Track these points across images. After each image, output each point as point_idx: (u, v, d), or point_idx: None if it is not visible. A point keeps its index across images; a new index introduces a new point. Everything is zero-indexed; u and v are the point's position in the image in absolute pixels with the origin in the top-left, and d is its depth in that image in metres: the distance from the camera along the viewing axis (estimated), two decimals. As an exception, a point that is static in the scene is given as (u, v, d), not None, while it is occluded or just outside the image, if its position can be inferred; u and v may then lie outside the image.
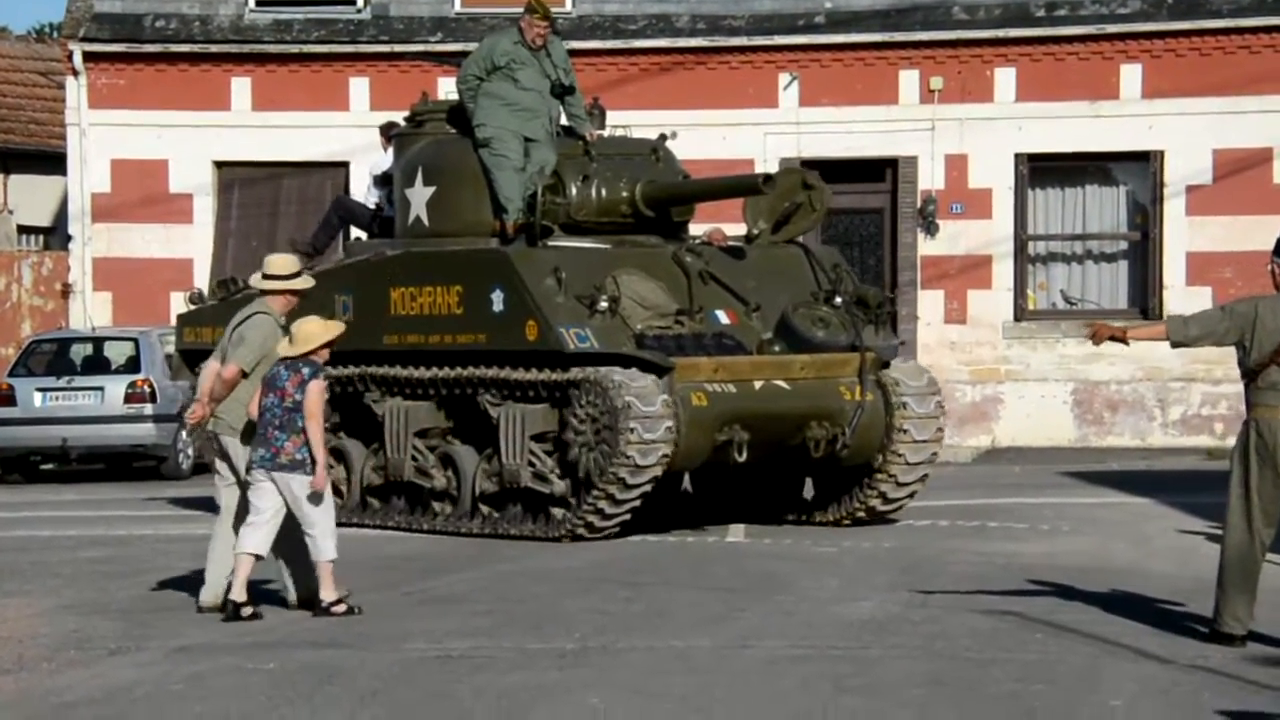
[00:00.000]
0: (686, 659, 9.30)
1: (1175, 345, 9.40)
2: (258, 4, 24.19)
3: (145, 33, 24.18)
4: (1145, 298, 23.33)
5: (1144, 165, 23.23)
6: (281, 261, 11.02)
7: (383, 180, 16.00)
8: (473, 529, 14.07)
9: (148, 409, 20.94)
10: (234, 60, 24.14)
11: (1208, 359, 21.93)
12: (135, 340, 21.58)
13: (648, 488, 13.33)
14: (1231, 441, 9.68)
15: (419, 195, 14.85)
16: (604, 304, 13.43)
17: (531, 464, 13.69)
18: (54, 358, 21.75)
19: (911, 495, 14.35)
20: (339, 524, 13.78)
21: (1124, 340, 9.53)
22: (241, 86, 24.22)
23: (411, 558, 13.21)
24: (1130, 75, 23.10)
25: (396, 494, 14.79)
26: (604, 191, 14.40)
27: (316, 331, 10.53)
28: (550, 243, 14.10)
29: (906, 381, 14.05)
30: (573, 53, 23.86)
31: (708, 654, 9.42)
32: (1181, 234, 23.13)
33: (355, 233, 16.81)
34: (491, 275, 13.79)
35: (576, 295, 13.47)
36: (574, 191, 14.37)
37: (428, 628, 10.19)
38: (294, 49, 24.06)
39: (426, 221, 14.78)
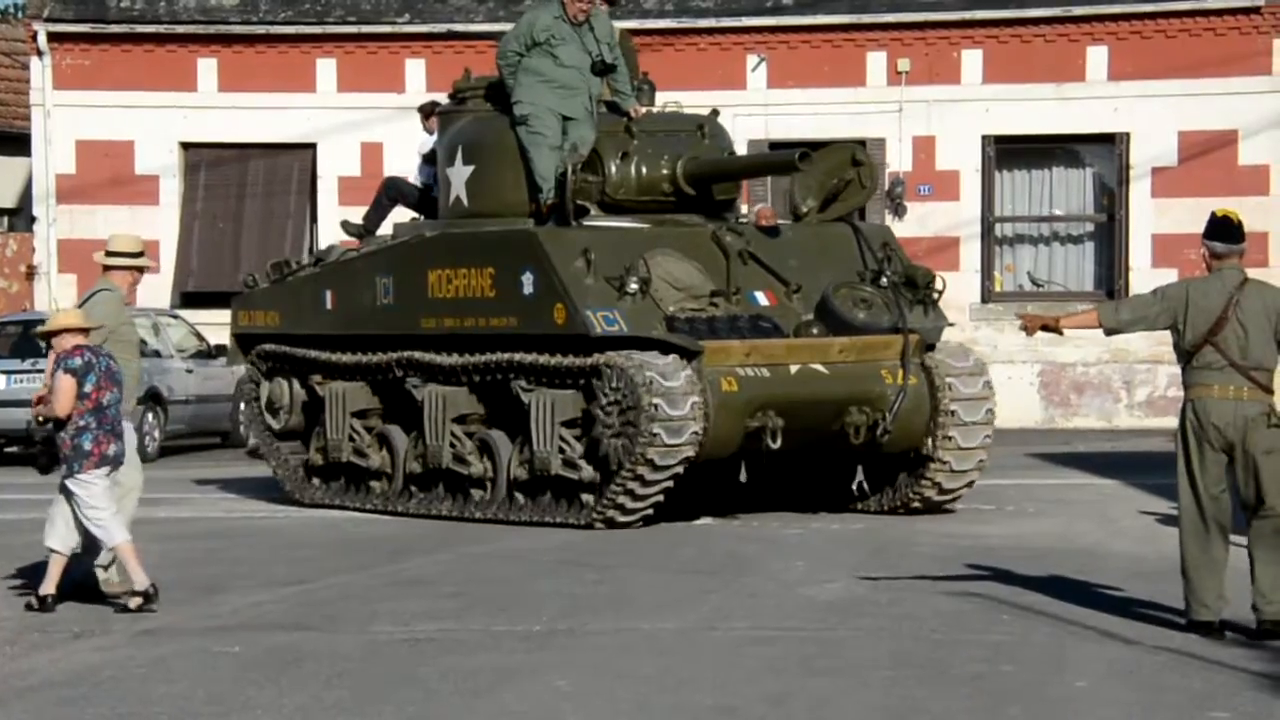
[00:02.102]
0: (653, 641, 9.30)
1: (1109, 332, 9.33)
2: (224, -16, 24.06)
3: (110, 13, 24.06)
4: (1111, 280, 23.39)
5: (1110, 147, 23.28)
6: (125, 239, 10.92)
7: (429, 159, 15.51)
8: (508, 515, 13.68)
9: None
10: (200, 41, 24.04)
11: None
12: (101, 322, 21.47)
13: (675, 473, 12.92)
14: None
15: (459, 174, 14.42)
16: (634, 285, 13.01)
17: (562, 450, 13.30)
18: (19, 340, 21.64)
19: (970, 484, 13.77)
20: (385, 510, 13.45)
21: (1058, 330, 9.47)
22: (208, 67, 24.12)
23: (380, 540, 13.18)
24: (1096, 57, 23.14)
25: (434, 481, 14.35)
26: (644, 169, 13.90)
27: (57, 319, 10.27)
28: (587, 223, 13.66)
29: (951, 363, 13.54)
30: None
31: (675, 636, 9.42)
32: (1147, 216, 23.19)
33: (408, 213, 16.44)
34: (521, 257, 13.41)
35: (606, 277, 13.05)
36: (613, 170, 13.87)
37: (395, 610, 10.17)
38: (260, 30, 23.96)
39: (466, 201, 14.36)
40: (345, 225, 15.86)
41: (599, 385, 12.97)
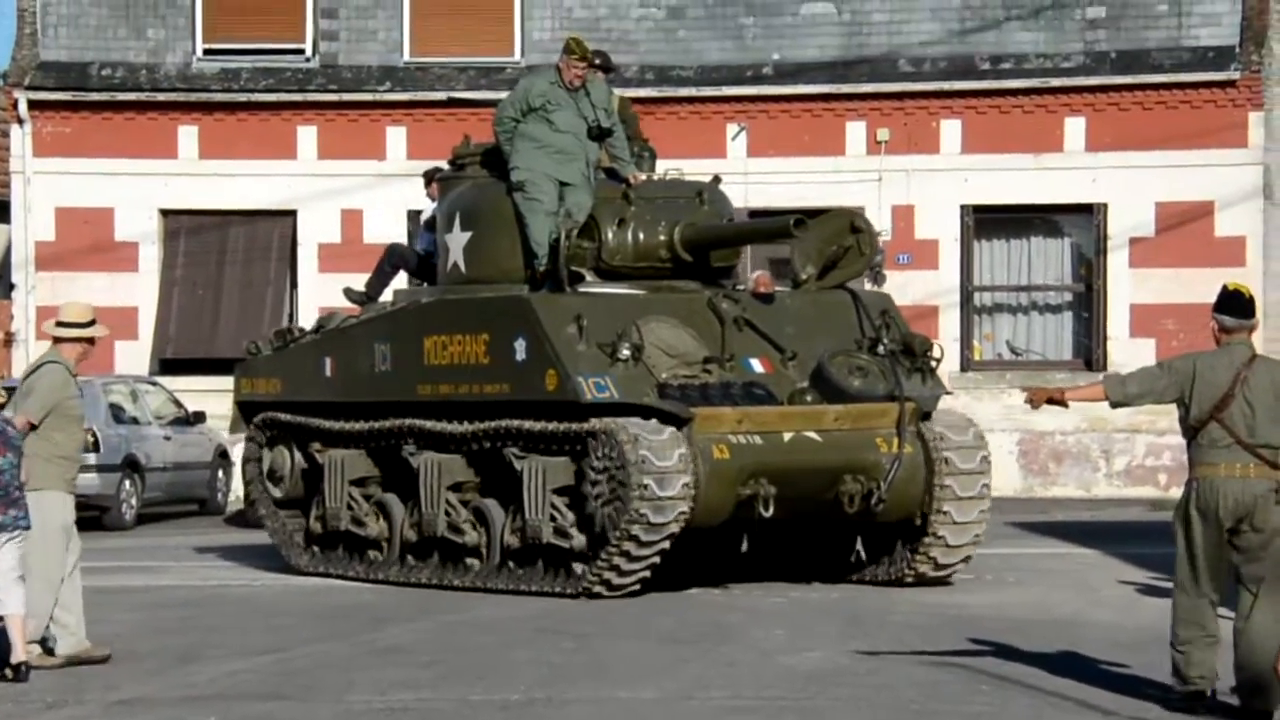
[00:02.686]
0: (631, 710, 9.25)
1: (1115, 405, 9.20)
2: (205, 52, 24.16)
3: (91, 81, 24.11)
4: (1089, 349, 23.46)
5: (1088, 217, 23.39)
6: (76, 309, 10.83)
7: (429, 226, 15.46)
8: (498, 584, 13.54)
9: (91, 459, 20.75)
10: (181, 108, 24.10)
11: (1152, 409, 22.02)
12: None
13: (665, 543, 12.79)
14: (1176, 493, 9.65)
15: (457, 240, 14.33)
16: (625, 352, 12.91)
17: (553, 518, 13.14)
18: (-4, 406, 21.56)
19: (966, 560, 13.62)
20: (381, 580, 13.44)
21: (1063, 403, 9.39)
22: (188, 134, 24.16)
23: (357, 608, 13.12)
24: (1074, 128, 23.28)
25: (431, 550, 14.19)
26: (641, 236, 13.85)
27: None
28: (582, 289, 13.63)
29: (950, 435, 13.34)
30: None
31: (653, 706, 9.37)
32: (1125, 286, 23.27)
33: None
34: (514, 323, 13.34)
35: (599, 343, 12.96)
36: (610, 236, 13.83)
37: (372, 679, 10.11)
38: (241, 97, 24.03)
39: (463, 268, 14.28)
40: (348, 292, 15.75)
41: (589, 452, 12.88)
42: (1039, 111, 23.29)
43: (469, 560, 13.89)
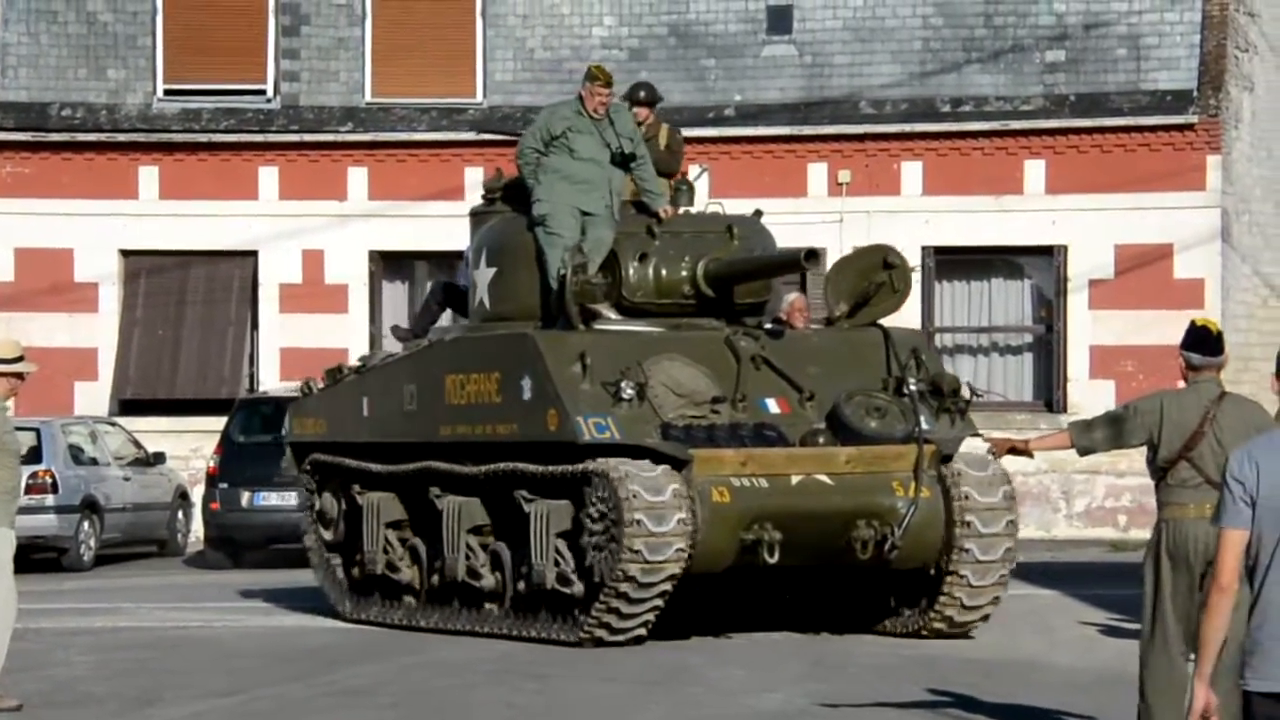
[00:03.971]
0: (593, 752, 9.24)
1: (1083, 452, 8.97)
2: (166, 93, 24.15)
3: (51, 121, 24.09)
4: (1050, 390, 23.57)
5: (1048, 259, 23.53)
6: (4, 345, 10.78)
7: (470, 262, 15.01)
8: (501, 630, 13.17)
9: (49, 500, 20.70)
10: (141, 149, 24.08)
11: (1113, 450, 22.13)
12: (37, 430, 21.32)
13: (664, 587, 12.29)
14: (1135, 534, 9.54)
15: (483, 277, 13.94)
16: (629, 391, 12.47)
17: (557, 564, 12.71)
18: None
19: (995, 601, 12.88)
20: (404, 625, 13.19)
21: (1027, 453, 9.10)
22: (149, 175, 24.14)
23: (318, 650, 13.08)
24: (1034, 171, 23.43)
25: (452, 594, 13.72)
26: (664, 271, 13.39)
27: None
28: (600, 326, 13.21)
29: (969, 471, 12.76)
30: (484, 144, 24.27)
31: (615, 747, 9.36)
32: (1085, 327, 23.41)
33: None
34: (520, 361, 12.96)
35: (604, 382, 12.52)
36: (631, 271, 13.39)
37: (332, 721, 10.09)
38: (202, 138, 24.02)
39: (488, 304, 13.89)
40: (395, 330, 15.42)
41: (587, 495, 12.47)
42: (999, 154, 23.44)
43: (488, 605, 13.44)
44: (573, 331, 13.08)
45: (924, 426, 12.81)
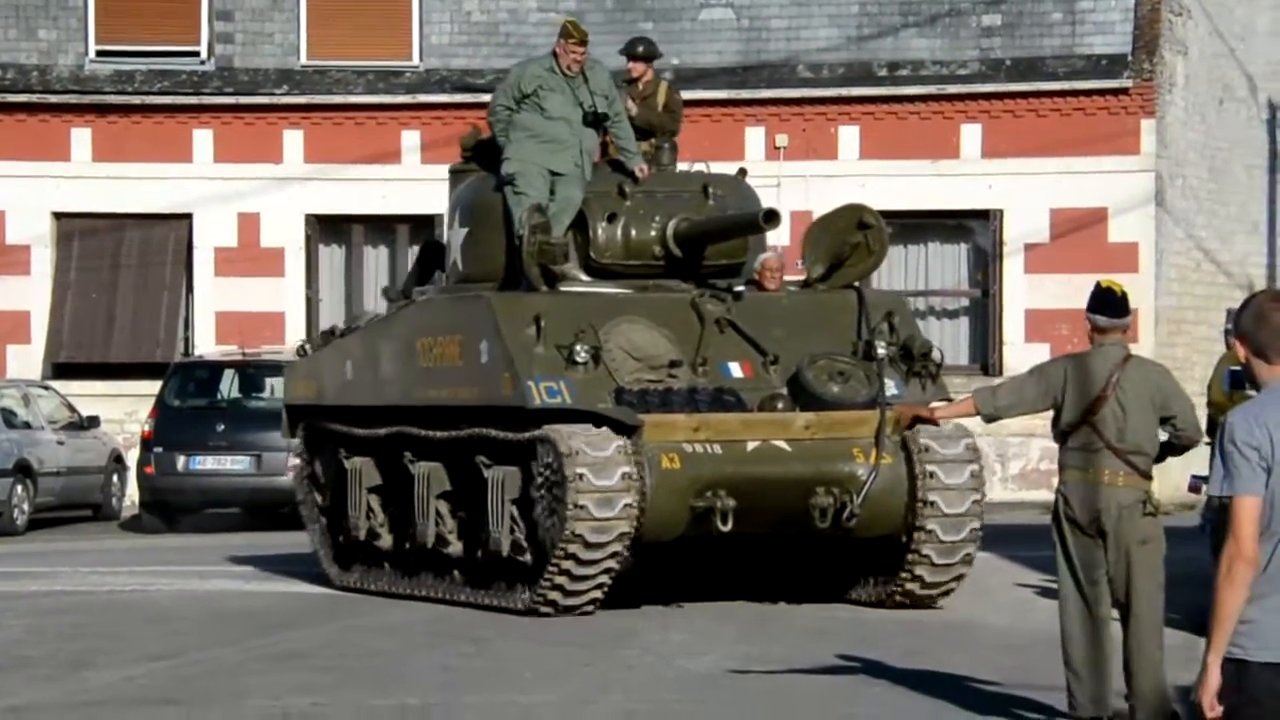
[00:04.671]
0: (529, 715, 9.27)
1: (988, 419, 8.83)
2: (98, 54, 23.94)
3: (-18, 81, 23.84)
4: (985, 353, 23.68)
5: (984, 223, 23.61)
6: None
7: None
8: (461, 598, 12.90)
9: (-18, 463, 20.57)
10: (74, 110, 23.87)
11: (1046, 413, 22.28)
12: (-31, 393, 21.21)
13: (615, 549, 11.94)
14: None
15: (457, 237, 13.61)
16: (583, 355, 12.17)
17: (513, 531, 12.36)
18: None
19: (958, 578, 12.55)
20: (383, 592, 13.03)
21: (932, 421, 9.11)
22: (81, 137, 23.93)
23: (254, 613, 13.05)
24: (970, 135, 23.49)
25: (426, 561, 13.40)
26: (633, 232, 13.02)
27: None
28: (565, 288, 12.84)
29: (937, 448, 12.28)
30: (420, 106, 24.16)
31: (551, 710, 9.39)
32: (1020, 291, 23.52)
33: None
34: (478, 325, 12.67)
35: (559, 345, 12.23)
36: (600, 232, 13.03)
37: (267, 684, 10.07)
38: (136, 100, 23.82)
39: (460, 266, 13.56)
40: (385, 291, 15.10)
41: (535, 461, 12.17)
42: (935, 118, 23.49)
43: (456, 573, 13.19)
44: (530, 293, 12.73)
45: (894, 391, 12.45)
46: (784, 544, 13.05)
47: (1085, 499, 8.42)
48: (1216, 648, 4.83)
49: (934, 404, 9.40)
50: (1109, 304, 8.58)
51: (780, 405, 12.38)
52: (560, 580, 12.09)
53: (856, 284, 13.27)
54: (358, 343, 14.26)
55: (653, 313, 12.70)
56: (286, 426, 15.23)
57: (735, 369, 12.62)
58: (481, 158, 13.71)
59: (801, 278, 13.69)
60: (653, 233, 13.10)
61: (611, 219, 13.09)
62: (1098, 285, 8.69)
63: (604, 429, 12.07)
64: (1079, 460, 8.45)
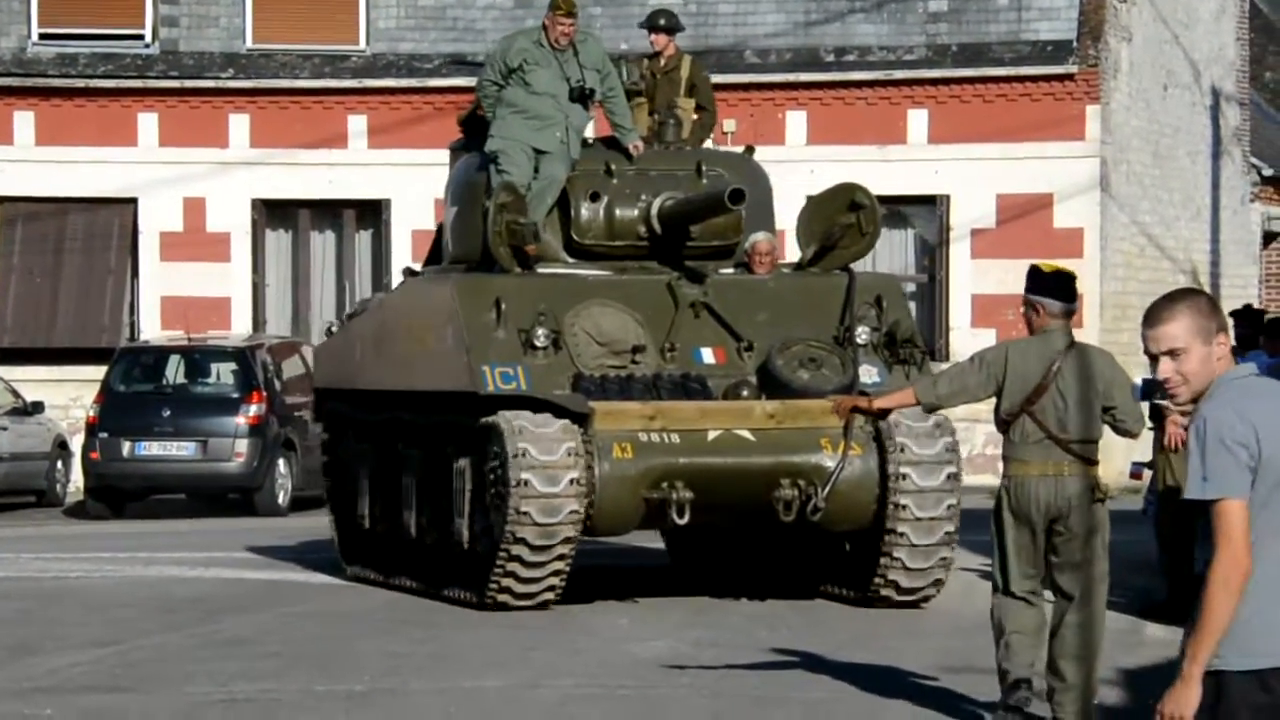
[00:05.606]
0: (476, 700, 9.26)
1: (929, 409, 8.65)
2: (41, 37, 23.76)
3: (-76, 64, 23.65)
4: (932, 339, 23.74)
5: (930, 209, 23.68)
6: None
7: None
8: (422, 588, 12.61)
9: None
10: (16, 94, 23.68)
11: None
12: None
13: (561, 551, 11.48)
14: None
15: (449, 216, 13.17)
16: (542, 340, 11.72)
17: (473, 522, 11.95)
18: None
19: (936, 583, 11.92)
20: (375, 583, 12.76)
21: (872, 412, 8.62)
22: (25, 120, 23.75)
23: (200, 599, 12.99)
24: (917, 121, 23.55)
25: (407, 550, 13.05)
26: (617, 211, 12.45)
27: None
28: (544, 270, 12.33)
29: (913, 447, 11.66)
30: (367, 91, 24.07)
31: (498, 695, 9.39)
32: (967, 276, 23.60)
33: None
34: (444, 308, 12.25)
35: (520, 329, 11.80)
36: (582, 212, 12.47)
37: (211, 670, 10.03)
38: (80, 83, 23.66)
39: (451, 246, 13.11)
40: (406, 272, 14.47)
41: (489, 445, 11.70)
42: (882, 103, 23.54)
43: (433, 564, 12.68)
44: (497, 275, 12.27)
45: (876, 379, 11.89)
46: (759, 540, 12.70)
47: (1032, 492, 8.18)
48: (1201, 659, 4.44)
49: (872, 395, 9.10)
50: (1062, 288, 8.33)
51: (746, 393, 11.86)
52: (510, 575, 11.65)
53: (849, 266, 12.64)
54: (361, 326, 13.96)
55: (624, 295, 12.18)
56: (312, 411, 14.78)
57: (708, 355, 12.13)
58: (474, 135, 13.11)
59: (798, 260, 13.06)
60: (636, 213, 12.52)
61: (595, 198, 12.53)
62: (1040, 269, 8.40)
63: (559, 421, 11.59)
64: (1022, 453, 8.21)
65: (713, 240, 12.60)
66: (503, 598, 11.74)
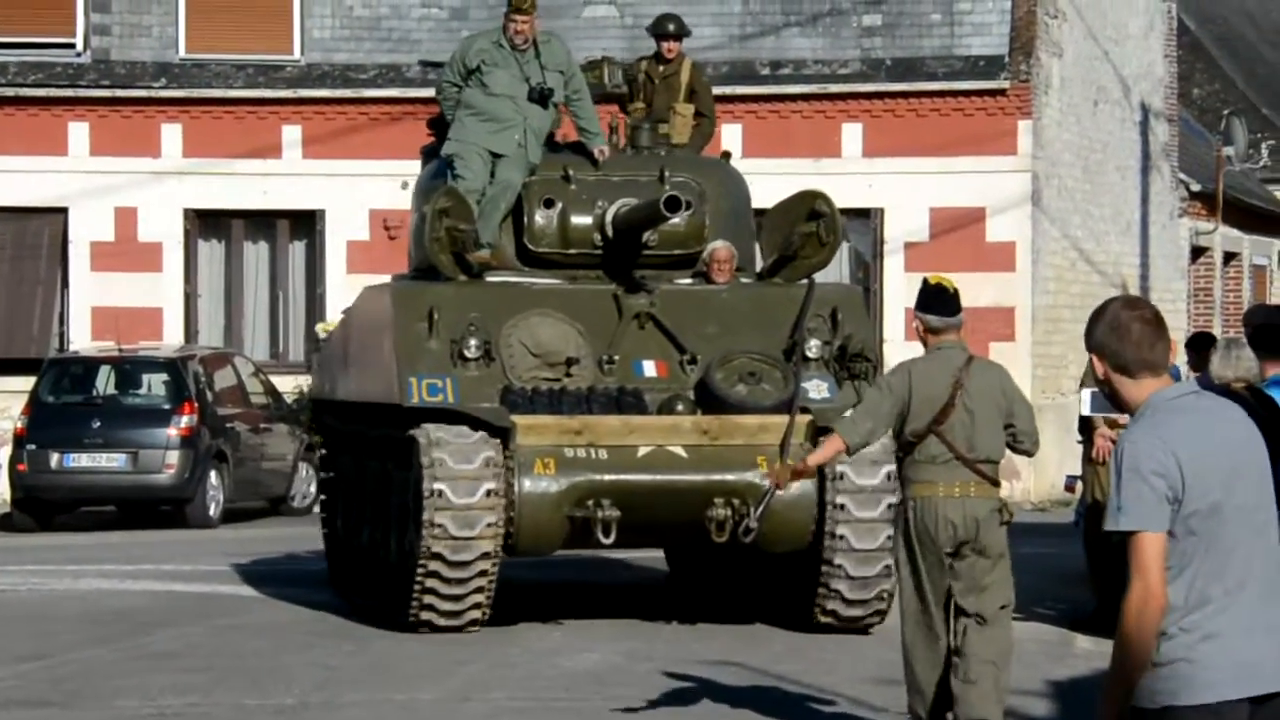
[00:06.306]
0: (408, 712, 9.21)
1: (856, 450, 8.23)
2: (-28, 45, 23.55)
3: None
4: (866, 352, 23.80)
5: (865, 222, 23.74)
6: None
7: None
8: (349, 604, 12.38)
9: None
10: (-54, 102, 23.47)
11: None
12: None
13: (482, 568, 11.05)
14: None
15: (413, 221, 12.82)
16: (473, 351, 11.34)
17: (404, 537, 11.59)
18: None
19: (878, 614, 11.41)
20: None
21: (809, 474, 8.19)
22: (-46, 129, 23.54)
23: (128, 613, 12.86)
24: (851, 134, 23.62)
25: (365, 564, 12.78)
26: (571, 219, 12.02)
27: None
28: (493, 278, 11.94)
29: (853, 476, 11.18)
30: (301, 101, 23.94)
31: (430, 707, 9.33)
32: (900, 289, 23.66)
33: None
34: (381, 317, 11.96)
35: (453, 340, 11.40)
36: (537, 219, 12.04)
37: (141, 684, 9.94)
38: (9, 92, 23.45)
39: (413, 252, 12.72)
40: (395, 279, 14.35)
41: (411, 464, 11.36)
42: (817, 117, 23.59)
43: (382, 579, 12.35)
44: (435, 284, 11.89)
45: (826, 395, 11.45)
46: (696, 561, 12.41)
47: (940, 513, 7.91)
48: (1115, 694, 4.28)
49: (805, 457, 8.52)
50: (942, 301, 8.14)
51: (681, 408, 11.41)
52: (430, 593, 11.23)
53: (812, 277, 12.24)
54: (338, 335, 13.78)
55: (567, 305, 11.74)
56: (308, 420, 14.71)
57: (649, 368, 11.68)
58: (443, 137, 12.65)
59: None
60: (591, 220, 12.07)
61: (549, 204, 12.11)
62: (925, 282, 8.23)
63: (475, 432, 11.23)
64: (928, 474, 7.93)
65: (672, 249, 12.16)
66: (426, 615, 11.33)
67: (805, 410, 11.35)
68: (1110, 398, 4.48)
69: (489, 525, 11.02)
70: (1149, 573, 4.29)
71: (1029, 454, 8.37)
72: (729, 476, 11.18)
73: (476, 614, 11.35)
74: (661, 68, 13.25)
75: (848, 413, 8.36)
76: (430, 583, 11.17)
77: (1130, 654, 4.27)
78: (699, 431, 11.27)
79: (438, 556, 11.07)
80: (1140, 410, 4.40)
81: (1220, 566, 4.34)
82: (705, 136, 13.39)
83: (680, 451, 11.26)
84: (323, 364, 14.39)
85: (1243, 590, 4.33)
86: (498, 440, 11.16)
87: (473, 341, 11.40)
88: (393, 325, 11.65)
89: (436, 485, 10.99)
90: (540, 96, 12.24)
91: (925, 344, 8.17)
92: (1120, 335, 4.41)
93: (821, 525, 11.23)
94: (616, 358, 11.61)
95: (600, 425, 11.26)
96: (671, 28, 13.37)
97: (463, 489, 10.99)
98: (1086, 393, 10.56)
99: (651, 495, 11.15)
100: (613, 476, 11.14)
